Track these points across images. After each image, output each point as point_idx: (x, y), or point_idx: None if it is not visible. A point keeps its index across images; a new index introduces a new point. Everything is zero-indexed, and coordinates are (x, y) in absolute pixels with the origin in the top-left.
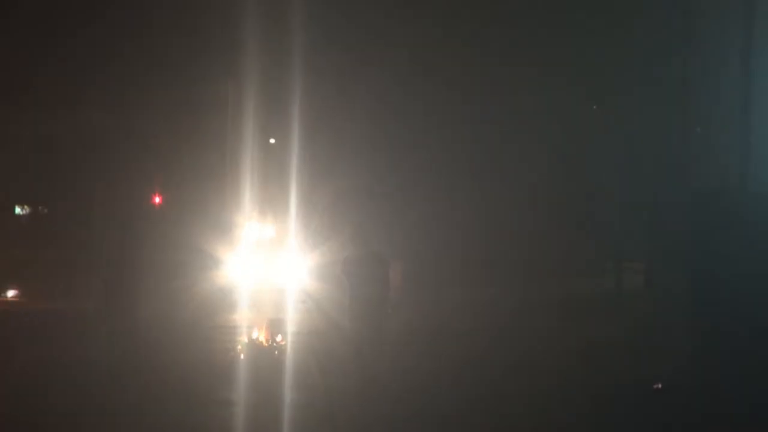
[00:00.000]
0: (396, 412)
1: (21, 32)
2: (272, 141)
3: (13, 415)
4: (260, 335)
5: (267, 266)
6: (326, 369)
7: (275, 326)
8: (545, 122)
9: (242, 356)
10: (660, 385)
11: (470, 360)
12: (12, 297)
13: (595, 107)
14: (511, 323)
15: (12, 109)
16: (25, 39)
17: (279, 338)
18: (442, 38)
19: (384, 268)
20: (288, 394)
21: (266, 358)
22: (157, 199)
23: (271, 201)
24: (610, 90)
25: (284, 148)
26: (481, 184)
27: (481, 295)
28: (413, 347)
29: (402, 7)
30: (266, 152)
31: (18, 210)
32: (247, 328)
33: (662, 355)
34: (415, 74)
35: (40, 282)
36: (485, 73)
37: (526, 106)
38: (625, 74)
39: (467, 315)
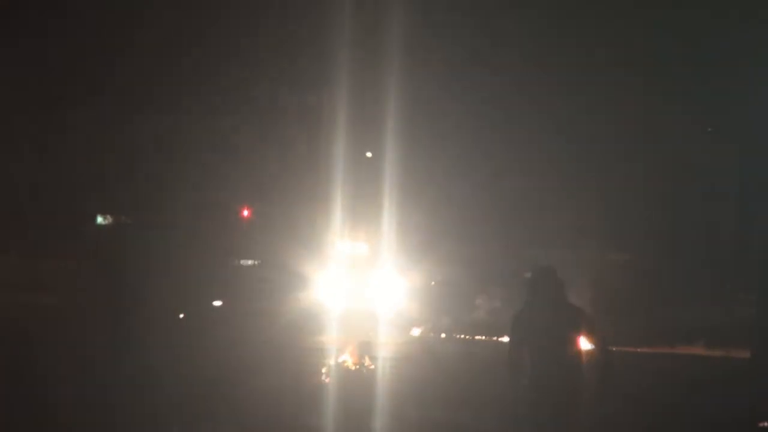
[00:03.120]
0: None
1: (103, 33)
2: (369, 154)
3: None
4: (349, 359)
5: (358, 286)
6: (420, 398)
7: (365, 350)
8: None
9: (330, 381)
10: None
11: None
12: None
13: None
14: None
15: (93, 114)
16: (106, 40)
17: (368, 362)
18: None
19: None
20: (378, 423)
21: (355, 383)
22: (246, 212)
23: (365, 218)
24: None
25: (381, 161)
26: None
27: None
28: None
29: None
30: (361, 166)
31: (100, 220)
32: (337, 352)
33: None
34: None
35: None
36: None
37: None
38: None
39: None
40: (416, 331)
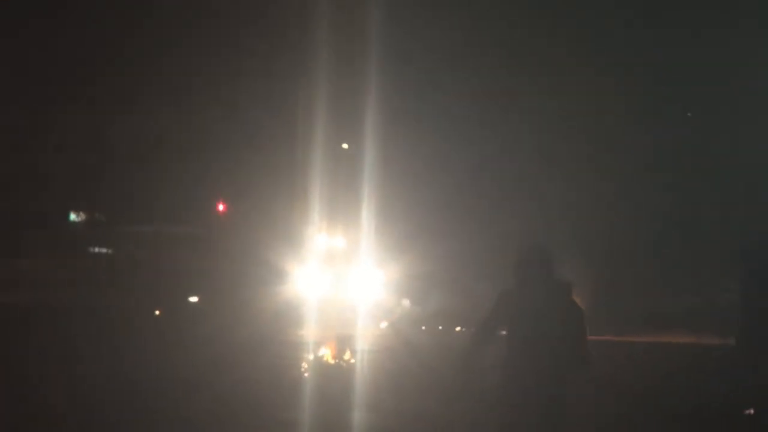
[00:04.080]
0: None
1: (78, 25)
2: (345, 146)
3: None
4: (329, 352)
5: (337, 280)
6: (399, 389)
7: (345, 343)
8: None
9: (310, 374)
10: None
11: None
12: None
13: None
14: None
15: (66, 108)
16: (82, 33)
17: (348, 356)
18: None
19: None
20: (357, 415)
21: (335, 376)
22: (221, 207)
23: (343, 210)
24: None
25: (359, 153)
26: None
27: None
28: None
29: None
30: (338, 158)
31: (73, 216)
32: (316, 345)
33: None
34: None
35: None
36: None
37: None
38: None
39: None
40: (384, 324)
